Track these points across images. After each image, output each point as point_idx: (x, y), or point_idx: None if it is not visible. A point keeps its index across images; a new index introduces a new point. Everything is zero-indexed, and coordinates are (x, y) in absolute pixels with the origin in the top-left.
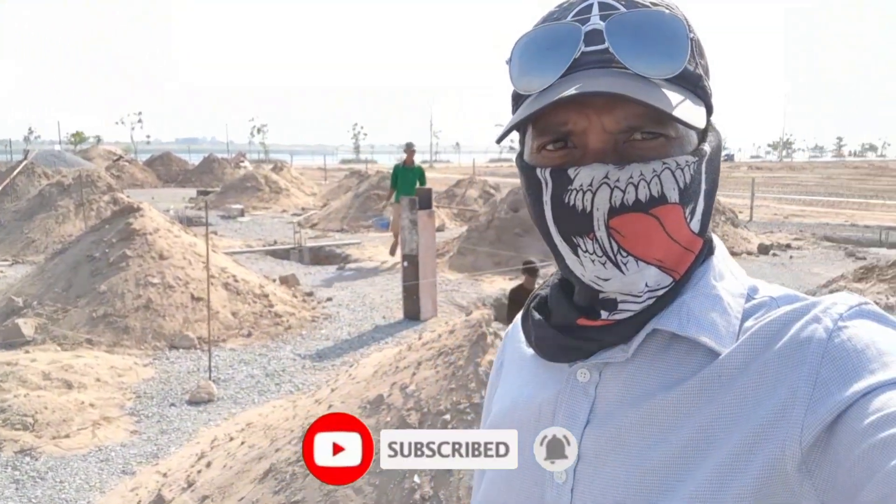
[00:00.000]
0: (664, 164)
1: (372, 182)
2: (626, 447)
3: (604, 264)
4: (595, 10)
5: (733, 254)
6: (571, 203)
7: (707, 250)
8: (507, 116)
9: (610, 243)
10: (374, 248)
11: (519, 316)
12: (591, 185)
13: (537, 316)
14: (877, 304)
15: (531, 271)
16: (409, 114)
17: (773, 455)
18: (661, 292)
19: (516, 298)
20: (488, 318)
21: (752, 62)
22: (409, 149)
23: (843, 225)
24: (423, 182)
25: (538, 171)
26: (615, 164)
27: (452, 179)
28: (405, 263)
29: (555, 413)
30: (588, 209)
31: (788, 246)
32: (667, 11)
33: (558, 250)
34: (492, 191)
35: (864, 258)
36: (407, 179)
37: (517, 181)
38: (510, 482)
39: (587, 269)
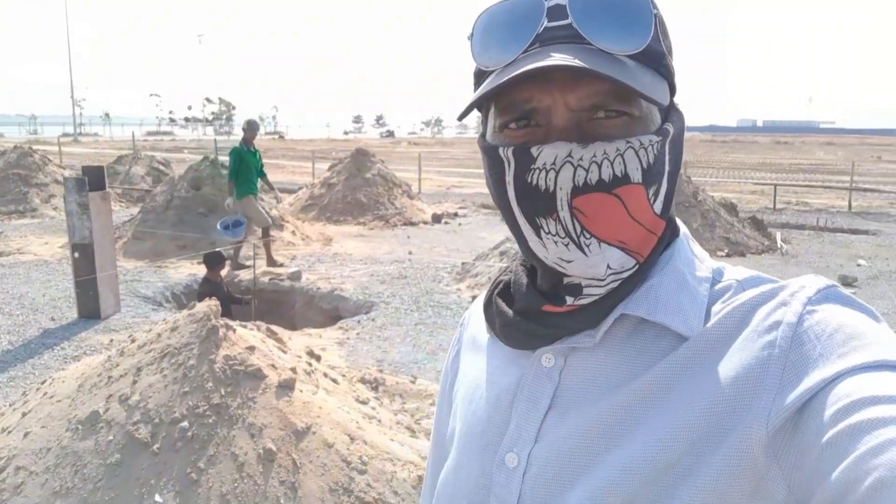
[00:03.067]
0: (628, 143)
1: (9, 160)
2: (589, 433)
3: (567, 245)
4: None
5: (411, 224)
6: (534, 182)
7: (671, 233)
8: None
9: (573, 224)
10: (23, 238)
11: (478, 301)
12: (554, 163)
13: (501, 302)
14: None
15: (212, 261)
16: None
17: (741, 439)
18: (625, 275)
19: (205, 292)
20: (216, 309)
21: (413, 47)
22: (253, 127)
23: None
24: (262, 167)
25: (500, 149)
26: (579, 143)
27: (109, 155)
28: (76, 255)
29: (515, 398)
30: (551, 188)
31: (456, 214)
32: None
33: (521, 232)
34: (162, 167)
35: None
36: (252, 164)
37: (185, 156)
38: (458, 469)
39: (550, 250)
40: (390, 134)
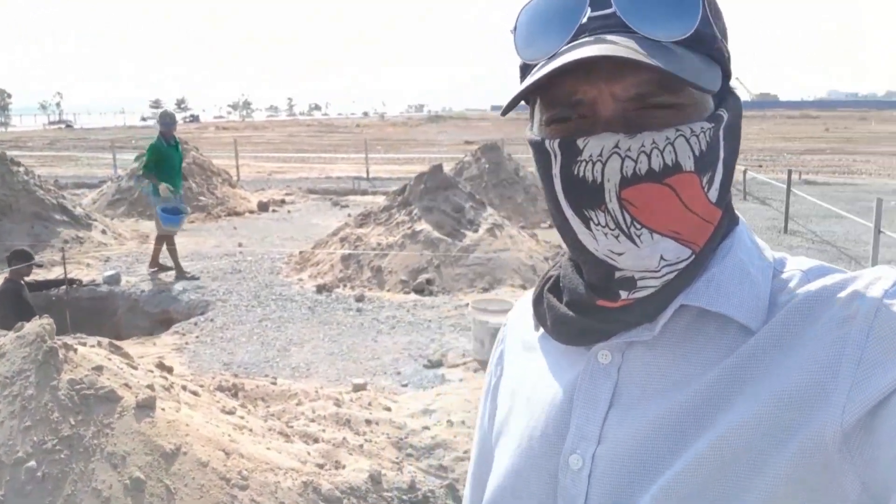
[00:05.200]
0: (678, 131)
1: None
2: (656, 433)
3: (616, 237)
4: None
5: (236, 214)
6: (581, 174)
7: (729, 222)
8: None
9: (623, 215)
10: None
11: (526, 298)
12: (601, 154)
13: (552, 298)
14: (379, 243)
15: (17, 258)
16: None
17: (813, 434)
18: (680, 266)
19: (11, 297)
20: (50, 328)
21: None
22: (167, 119)
23: (320, 178)
24: (181, 159)
25: (546, 142)
26: (626, 133)
27: None
28: None
29: (573, 397)
30: (599, 180)
31: (283, 201)
32: None
33: (569, 225)
34: None
35: (347, 206)
36: (174, 159)
37: None
38: (519, 473)
39: (600, 242)
40: (195, 119)
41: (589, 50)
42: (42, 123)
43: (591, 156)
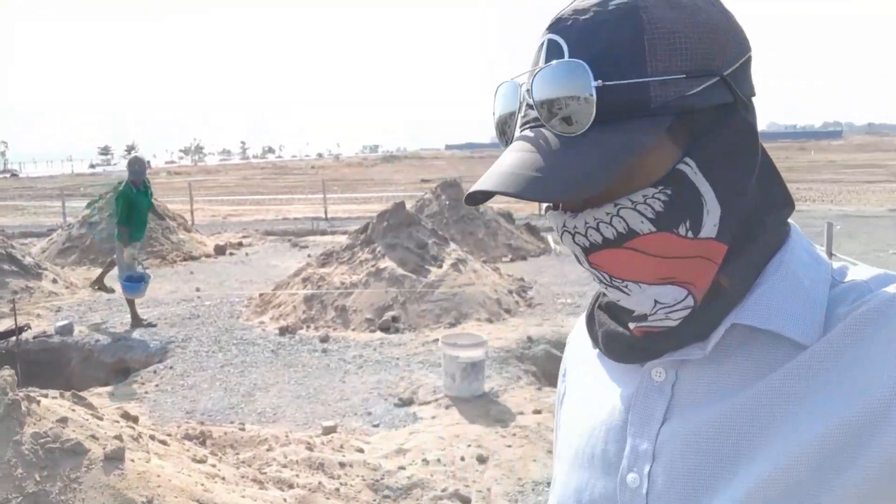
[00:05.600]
0: (616, 205)
1: None
2: (710, 451)
3: (607, 288)
4: (543, 54)
5: (192, 258)
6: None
7: (778, 233)
8: None
9: (601, 274)
10: None
11: (582, 316)
12: (558, 230)
13: (603, 315)
14: (343, 282)
15: None
16: None
17: (878, 456)
18: (680, 307)
19: None
20: (12, 380)
21: (166, 72)
22: (136, 166)
23: (277, 219)
24: (150, 204)
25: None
26: (570, 213)
27: None
28: None
29: (629, 414)
30: (570, 249)
31: (240, 244)
32: (568, 61)
33: None
34: None
35: (307, 246)
36: (144, 206)
37: None
38: (580, 491)
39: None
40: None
41: (483, 180)
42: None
43: (555, 228)
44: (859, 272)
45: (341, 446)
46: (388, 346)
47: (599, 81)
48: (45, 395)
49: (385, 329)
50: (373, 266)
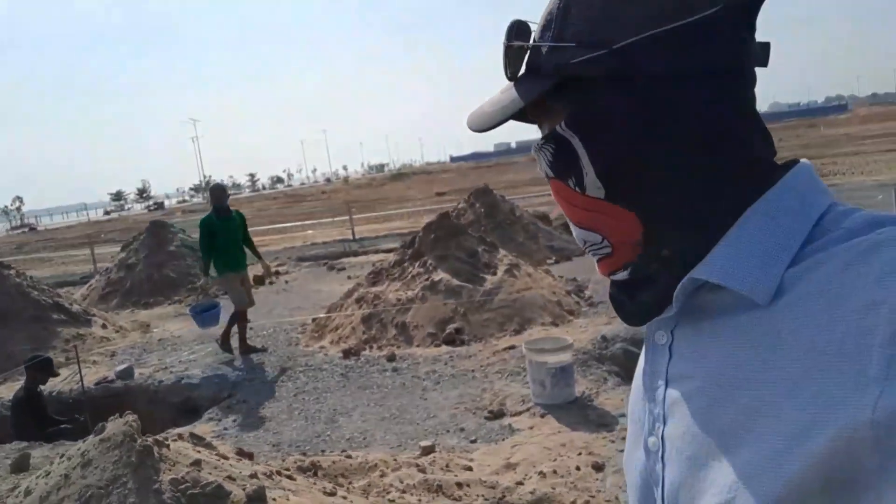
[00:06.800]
0: (534, 146)
1: None
2: (694, 408)
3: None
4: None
5: None
6: None
7: (745, 193)
8: None
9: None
10: None
11: None
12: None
13: (610, 279)
14: (399, 298)
15: (39, 368)
16: None
17: (842, 432)
18: (598, 247)
19: (30, 404)
20: (137, 426)
21: (164, 109)
22: (217, 192)
23: (306, 245)
24: (246, 233)
25: None
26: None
27: None
28: None
29: (644, 377)
30: None
31: (278, 273)
32: (519, 21)
33: None
34: None
35: (344, 268)
36: (228, 235)
37: None
38: (629, 457)
39: None
40: (159, 206)
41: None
42: (4, 229)
43: None
44: (855, 219)
45: (447, 465)
46: (459, 358)
47: (513, 40)
48: (167, 439)
49: (450, 342)
50: (426, 279)
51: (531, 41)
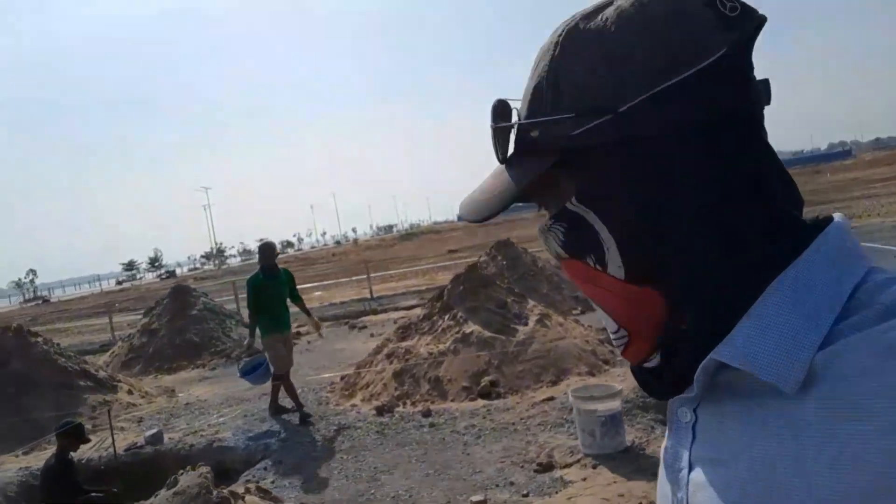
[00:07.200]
0: (539, 229)
1: None
2: (717, 496)
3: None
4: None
5: (257, 352)
6: None
7: (774, 259)
8: None
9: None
10: None
11: None
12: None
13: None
14: (430, 352)
15: (69, 434)
16: None
17: None
18: (616, 338)
19: (62, 472)
20: (210, 477)
21: (168, 176)
22: (265, 251)
23: (324, 306)
24: (294, 291)
25: None
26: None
27: None
28: None
29: (667, 456)
30: None
31: (299, 333)
32: (504, 100)
33: None
34: None
35: (366, 326)
36: (274, 294)
37: None
38: None
39: None
40: (171, 275)
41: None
42: (17, 302)
43: None
44: (892, 290)
45: None
46: (497, 411)
47: (499, 120)
48: (239, 491)
49: (485, 395)
50: (458, 332)
51: (516, 119)
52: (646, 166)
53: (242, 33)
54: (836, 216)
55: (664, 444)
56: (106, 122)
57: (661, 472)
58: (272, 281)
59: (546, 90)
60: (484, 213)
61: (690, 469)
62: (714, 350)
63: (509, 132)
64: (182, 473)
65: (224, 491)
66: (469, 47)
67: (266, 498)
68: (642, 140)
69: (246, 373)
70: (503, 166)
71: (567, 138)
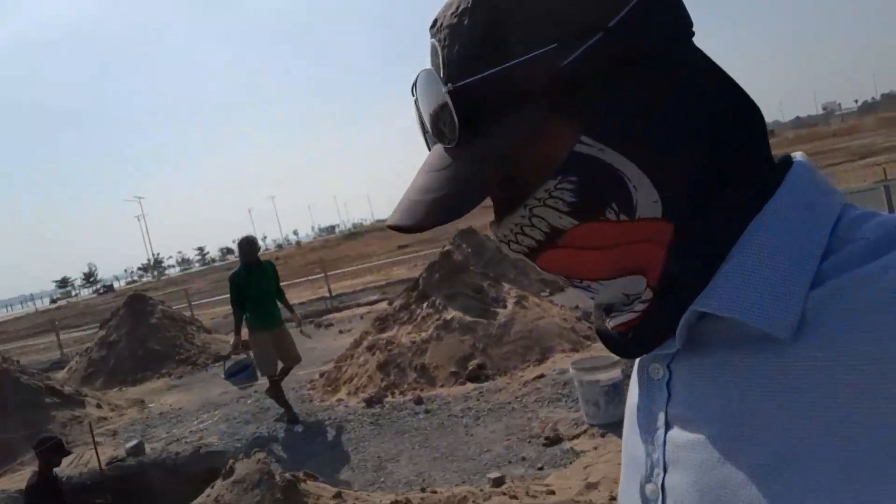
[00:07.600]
0: (526, 206)
1: None
2: (701, 460)
3: (574, 288)
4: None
5: (222, 357)
6: None
7: (752, 201)
8: None
9: (557, 277)
10: None
11: None
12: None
13: (597, 310)
14: (413, 341)
15: (48, 451)
16: None
17: None
18: (640, 298)
19: (49, 489)
20: (269, 462)
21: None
22: (244, 246)
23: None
24: (278, 284)
25: None
26: (496, 222)
27: None
28: None
29: (640, 415)
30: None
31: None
32: (425, 71)
33: None
34: None
35: (332, 323)
36: (260, 288)
37: None
38: (622, 498)
39: None
40: (109, 289)
41: (395, 212)
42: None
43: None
44: (872, 225)
45: (527, 493)
46: (489, 393)
47: (450, 85)
48: (289, 478)
49: (474, 378)
50: (438, 319)
51: (447, 86)
52: (650, 83)
53: (169, 34)
54: (797, 155)
55: (631, 401)
56: (27, 133)
57: (630, 432)
58: (257, 274)
59: (507, 25)
60: (454, 210)
61: (668, 428)
62: (695, 301)
63: (464, 97)
64: (234, 462)
65: (287, 475)
66: (395, 41)
67: (315, 482)
68: (639, 55)
69: (231, 374)
70: (453, 148)
71: (556, 72)
